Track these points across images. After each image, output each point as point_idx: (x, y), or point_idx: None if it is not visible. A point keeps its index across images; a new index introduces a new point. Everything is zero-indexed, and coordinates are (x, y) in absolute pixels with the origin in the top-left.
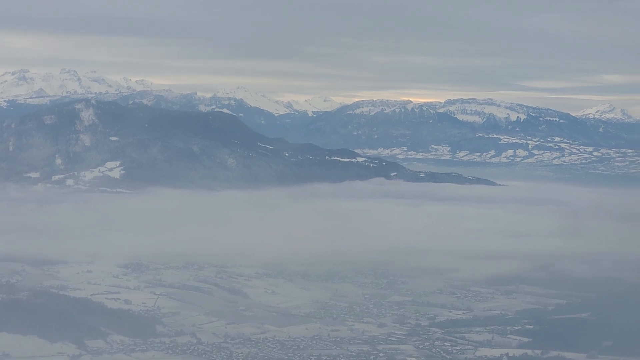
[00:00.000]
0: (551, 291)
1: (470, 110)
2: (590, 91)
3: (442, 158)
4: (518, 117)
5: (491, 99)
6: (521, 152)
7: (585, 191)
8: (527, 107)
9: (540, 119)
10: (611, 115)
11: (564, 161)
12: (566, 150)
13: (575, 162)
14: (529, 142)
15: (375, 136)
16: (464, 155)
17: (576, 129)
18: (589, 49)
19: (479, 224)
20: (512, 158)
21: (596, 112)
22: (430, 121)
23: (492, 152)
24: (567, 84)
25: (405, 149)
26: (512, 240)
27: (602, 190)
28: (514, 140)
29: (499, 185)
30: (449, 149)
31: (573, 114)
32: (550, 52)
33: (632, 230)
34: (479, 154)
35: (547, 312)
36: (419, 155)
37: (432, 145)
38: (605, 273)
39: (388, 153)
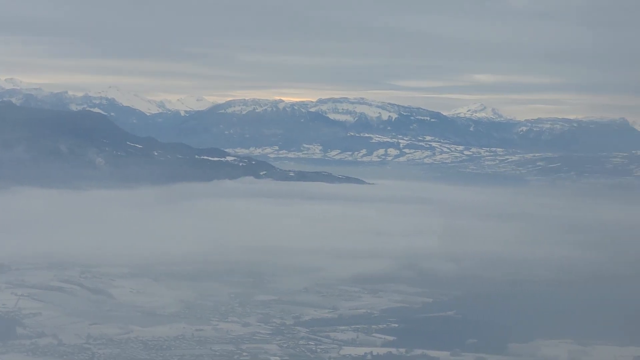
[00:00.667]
0: (418, 289)
1: (342, 109)
2: (461, 91)
3: (314, 157)
4: (389, 116)
5: (363, 98)
6: (392, 151)
7: (455, 190)
8: (398, 106)
9: (412, 118)
10: (482, 115)
11: (435, 160)
12: (437, 149)
13: (446, 161)
14: (400, 141)
15: (247, 135)
16: (336, 155)
17: (447, 128)
18: (459, 49)
19: (347, 223)
20: (383, 157)
21: (467, 111)
22: (302, 120)
23: (364, 151)
24: (439, 83)
25: (277, 148)
26: (380, 239)
27: (471, 188)
28: (385, 139)
29: (369, 184)
30: (320, 148)
31: (444, 113)
32: (422, 52)
33: (499, 229)
34: (350, 153)
35: (414, 311)
36: (290, 155)
37: (304, 145)
38: (471, 271)
39: (260, 152)
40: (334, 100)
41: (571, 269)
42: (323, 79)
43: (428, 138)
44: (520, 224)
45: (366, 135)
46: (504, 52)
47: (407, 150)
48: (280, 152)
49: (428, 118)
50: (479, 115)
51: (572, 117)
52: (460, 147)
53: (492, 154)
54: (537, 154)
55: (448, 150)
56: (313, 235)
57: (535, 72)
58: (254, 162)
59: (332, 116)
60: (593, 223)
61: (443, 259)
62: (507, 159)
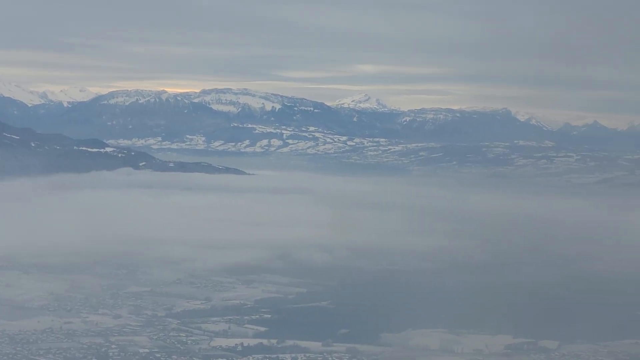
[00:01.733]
0: (292, 280)
1: (226, 100)
2: (346, 81)
3: (197, 148)
4: (273, 106)
5: (246, 89)
6: (276, 142)
7: (336, 180)
8: (282, 97)
9: (295, 108)
10: (366, 105)
11: (318, 150)
12: (320, 140)
13: (329, 152)
14: (283, 131)
15: (130, 126)
16: (219, 145)
17: (331, 118)
18: (343, 39)
19: (223, 214)
20: (266, 148)
21: (352, 101)
22: (185, 111)
23: (247, 142)
24: (323, 74)
25: (160, 139)
26: (256, 229)
27: (353, 179)
28: (268, 130)
29: (249, 174)
30: (203, 138)
31: (328, 104)
32: (306, 43)
33: (376, 219)
34: (233, 143)
35: (287, 301)
36: (173, 146)
37: (187, 135)
38: (345, 261)
39: (143, 143)
40: (218, 91)
41: (445, 259)
42: (207, 70)
43: (311, 129)
44: (398, 214)
45: (250, 126)
46: (388, 43)
47: (290, 141)
48: (164, 143)
49: (312, 109)
50: (363, 105)
51: (455, 107)
52: (344, 138)
53: (375, 144)
54: (420, 144)
55: (331, 141)
56: (188, 226)
57: (419, 63)
58: (133, 153)
59: (215, 107)
60: (469, 212)
61: (318, 249)
62: (390, 149)
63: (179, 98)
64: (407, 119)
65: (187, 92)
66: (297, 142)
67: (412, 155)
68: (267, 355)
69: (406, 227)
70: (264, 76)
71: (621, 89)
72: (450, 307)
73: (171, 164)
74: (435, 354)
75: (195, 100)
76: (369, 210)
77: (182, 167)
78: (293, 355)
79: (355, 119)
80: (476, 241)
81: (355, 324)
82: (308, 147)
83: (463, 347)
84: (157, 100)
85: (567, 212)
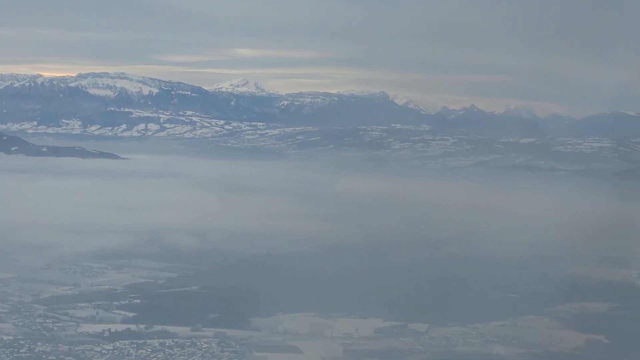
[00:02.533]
0: (163, 264)
1: (102, 84)
2: (224, 65)
3: (73, 132)
4: (150, 91)
5: (123, 73)
6: (153, 126)
7: (211, 164)
8: (159, 81)
9: (173, 92)
10: (244, 89)
11: (196, 134)
12: (198, 124)
13: (207, 136)
14: (160, 115)
15: (5, 110)
16: (96, 130)
17: (208, 102)
18: (221, 23)
19: (95, 198)
20: (143, 132)
21: (230, 85)
22: (61, 95)
23: (124, 126)
24: (201, 58)
25: (35, 123)
26: (128, 214)
27: (229, 163)
28: (146, 114)
29: (123, 159)
30: (80, 123)
31: (206, 88)
32: (183, 27)
33: (249, 203)
34: (110, 128)
35: (157, 286)
36: (49, 130)
37: (63, 120)
38: (217, 245)
39: (18, 128)
40: (94, 75)
41: (318, 242)
42: (83, 54)
43: (189, 113)
44: (273, 198)
45: (127, 110)
46: (267, 27)
47: (167, 125)
48: (39, 127)
49: (189, 93)
50: (241, 89)
51: (334, 91)
52: (221, 122)
53: (252, 128)
54: (297, 128)
55: (209, 125)
56: (59, 211)
57: (298, 47)
58: (5, 138)
59: (92, 91)
60: (344, 196)
61: (190, 234)
62: (268, 133)
63: (54, 82)
64: (285, 102)
65: (63, 76)
66: (175, 127)
67: (289, 139)
68: (135, 341)
69: (281, 211)
70: (141, 60)
71: (498, 73)
72: (322, 291)
73: (44, 149)
74: (303, 338)
75: (72, 85)
76: (243, 194)
77: (56, 151)
78: (161, 340)
79: (233, 103)
80: (350, 225)
81: (225, 308)
82: (185, 131)
83: (333, 331)
84: (32, 84)
85: (442, 195)
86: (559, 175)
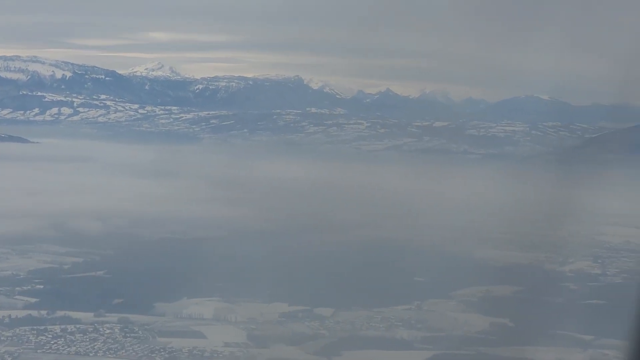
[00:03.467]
0: (69, 249)
1: (14, 67)
2: (139, 49)
3: None
4: (64, 74)
5: (36, 57)
6: (66, 110)
7: (123, 148)
8: (73, 64)
9: (87, 76)
10: (159, 73)
11: (109, 119)
12: (112, 108)
13: (121, 120)
14: (74, 99)
15: None
16: (7, 114)
17: (123, 86)
18: (135, 6)
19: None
20: (56, 116)
21: (145, 69)
22: None
23: (37, 110)
24: (115, 41)
25: None
26: (33, 198)
27: (142, 147)
28: (59, 98)
29: (33, 142)
30: None
31: (120, 72)
32: (97, 10)
33: (159, 187)
34: (22, 112)
35: (62, 271)
36: None
37: None
38: (124, 230)
39: None
40: (6, 59)
41: (226, 227)
42: None
43: (103, 97)
44: (182, 182)
45: (40, 94)
46: (182, 10)
47: (81, 109)
48: None
49: (103, 77)
50: (155, 74)
51: (249, 75)
52: (135, 106)
53: (167, 112)
54: (211, 112)
55: (123, 109)
56: None
57: (214, 31)
58: None
59: (3, 75)
60: (255, 180)
61: (97, 218)
62: (182, 117)
63: None
64: (200, 86)
65: None
66: (88, 111)
67: (203, 123)
68: (36, 327)
69: (190, 195)
70: (54, 44)
71: (414, 57)
72: (228, 276)
73: None
74: (207, 323)
75: None
76: (153, 179)
77: None
78: (63, 326)
79: (147, 87)
80: (260, 208)
81: (130, 293)
82: (99, 116)
83: (237, 315)
84: None
85: (354, 178)
86: (472, 158)
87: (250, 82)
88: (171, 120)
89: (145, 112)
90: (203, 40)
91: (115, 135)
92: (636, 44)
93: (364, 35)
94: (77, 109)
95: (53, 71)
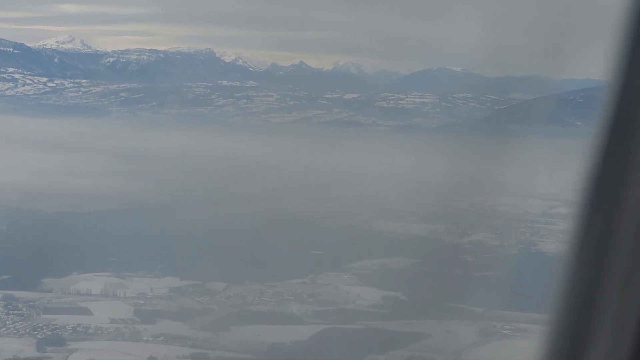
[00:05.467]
0: None
1: None
2: (49, 22)
3: None
4: None
5: None
6: None
7: (27, 121)
8: None
9: None
10: (70, 46)
11: (17, 92)
12: (20, 81)
13: (29, 93)
14: None
15: None
16: None
17: (31, 59)
18: None
19: None
20: None
21: (55, 42)
22: None
23: None
24: (23, 14)
25: None
26: None
27: (47, 120)
28: None
29: None
30: None
31: (29, 45)
32: None
33: (55, 160)
34: None
35: None
36: None
37: None
38: (15, 204)
39: None
40: None
41: (121, 201)
42: None
43: (11, 70)
44: (81, 156)
45: None
46: None
47: None
48: None
49: (11, 49)
50: (66, 46)
51: (161, 48)
52: (44, 79)
53: (76, 85)
54: (121, 85)
55: (31, 82)
56: None
57: (126, 3)
58: None
59: None
60: (155, 153)
61: None
62: (91, 90)
63: None
64: (111, 59)
65: None
66: None
67: (112, 97)
68: None
69: (88, 169)
70: None
71: (326, 29)
72: (120, 251)
73: None
74: (95, 299)
75: None
76: (51, 153)
77: None
78: None
79: (57, 60)
80: (158, 182)
81: (18, 269)
82: (7, 89)
83: (127, 290)
84: None
85: (259, 151)
86: (379, 130)
87: (162, 55)
88: (80, 93)
89: (54, 85)
90: (115, 12)
91: (22, 108)
92: (550, 15)
93: (277, 7)
94: None
95: None
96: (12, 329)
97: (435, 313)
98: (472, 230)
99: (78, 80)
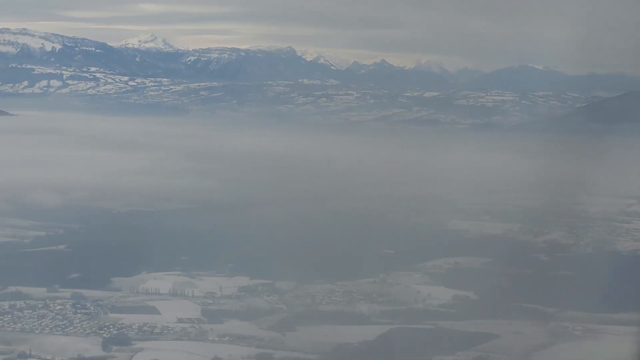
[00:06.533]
0: (33, 223)
1: (4, 40)
2: (131, 21)
3: None
4: (53, 47)
5: (25, 29)
6: (55, 83)
7: (106, 120)
8: (62, 37)
9: (77, 49)
10: (151, 45)
11: (99, 91)
12: (101, 80)
13: (110, 92)
14: (63, 72)
15: None
16: None
17: (113, 58)
18: None
19: None
20: (45, 89)
21: (137, 41)
22: None
23: (26, 83)
24: (106, 14)
25: None
26: None
27: (127, 119)
28: (48, 71)
29: (11, 115)
30: None
31: (111, 44)
32: None
33: (130, 159)
34: (11, 84)
35: (22, 245)
36: None
37: None
38: (90, 203)
39: None
40: None
41: (193, 199)
42: None
43: (93, 69)
44: (157, 154)
45: (29, 66)
46: None
47: (70, 82)
48: None
49: (93, 49)
50: (148, 45)
51: (243, 47)
52: (125, 78)
53: (157, 84)
54: (201, 84)
55: (113, 82)
56: None
57: (205, 2)
58: None
59: None
60: (231, 152)
61: (62, 191)
62: (172, 89)
63: None
64: (192, 58)
65: None
66: (78, 83)
67: (192, 95)
68: None
69: (160, 167)
70: (44, 16)
71: (409, 28)
72: (191, 249)
73: None
74: (164, 298)
75: None
76: (128, 151)
77: None
78: (12, 302)
79: (138, 59)
80: (230, 181)
81: (89, 268)
82: (88, 88)
83: (196, 290)
84: None
85: (337, 149)
86: (458, 128)
87: (243, 54)
88: (160, 92)
89: (135, 84)
90: (197, 11)
91: (103, 107)
92: (633, 13)
93: (360, 6)
94: (67, 81)
95: (43, 44)
96: (78, 327)
97: (506, 313)
98: (547, 229)
99: (159, 78)
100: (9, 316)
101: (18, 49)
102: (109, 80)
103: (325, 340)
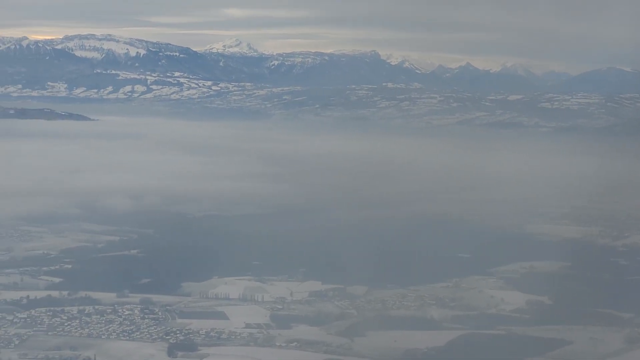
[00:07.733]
0: (107, 228)
1: (89, 46)
2: (215, 26)
3: (59, 95)
4: (137, 52)
5: (110, 35)
6: (139, 88)
7: (189, 125)
8: (146, 42)
9: (160, 54)
10: (236, 50)
11: (182, 96)
12: (185, 85)
13: (193, 97)
14: (148, 77)
15: None
16: (81, 92)
17: (197, 63)
18: None
19: (41, 161)
20: (130, 94)
21: (222, 46)
22: (47, 58)
23: (110, 88)
24: (191, 19)
25: (20, 86)
26: (75, 176)
27: (209, 123)
28: (132, 76)
29: (92, 120)
30: (65, 86)
31: (195, 49)
32: None
33: (208, 164)
34: (96, 90)
35: (95, 250)
36: (34, 93)
37: (49, 83)
38: (164, 207)
39: (2, 91)
40: (81, 37)
41: (267, 204)
42: (71, 15)
43: (177, 74)
44: (236, 158)
45: (113, 72)
46: None
47: (154, 87)
48: (24, 90)
49: (177, 54)
50: (232, 50)
51: (327, 51)
52: (209, 83)
53: (240, 88)
54: (285, 88)
55: (196, 86)
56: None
57: (290, 7)
58: None
59: (78, 53)
60: (311, 155)
61: (139, 196)
62: (255, 93)
63: (40, 44)
64: (276, 63)
65: (49, 39)
66: (162, 88)
67: (275, 99)
68: (52, 308)
69: (238, 172)
70: (129, 22)
71: (495, 31)
72: (264, 254)
73: (11, 111)
74: (233, 304)
75: (58, 47)
76: (205, 155)
77: (23, 114)
78: (81, 307)
79: (221, 64)
80: (306, 185)
81: (159, 273)
82: (172, 93)
83: (266, 295)
84: (18, 47)
85: (418, 153)
86: (541, 131)
87: (326, 58)
88: (244, 96)
89: (219, 88)
90: (282, 16)
91: (186, 112)
92: None
93: (444, 9)
94: (151, 86)
95: (127, 49)
96: (145, 332)
97: (581, 318)
98: (628, 233)
99: (242, 83)
100: (77, 321)
101: (103, 55)
102: (193, 85)
103: (394, 346)
